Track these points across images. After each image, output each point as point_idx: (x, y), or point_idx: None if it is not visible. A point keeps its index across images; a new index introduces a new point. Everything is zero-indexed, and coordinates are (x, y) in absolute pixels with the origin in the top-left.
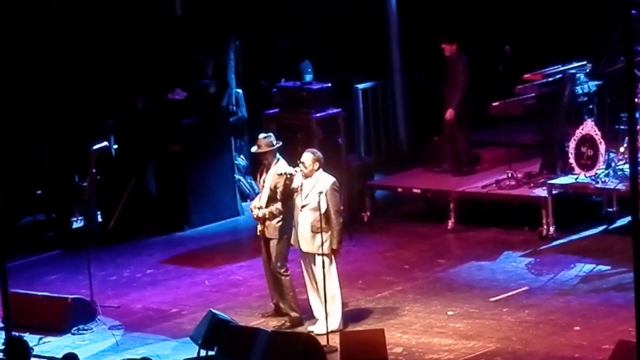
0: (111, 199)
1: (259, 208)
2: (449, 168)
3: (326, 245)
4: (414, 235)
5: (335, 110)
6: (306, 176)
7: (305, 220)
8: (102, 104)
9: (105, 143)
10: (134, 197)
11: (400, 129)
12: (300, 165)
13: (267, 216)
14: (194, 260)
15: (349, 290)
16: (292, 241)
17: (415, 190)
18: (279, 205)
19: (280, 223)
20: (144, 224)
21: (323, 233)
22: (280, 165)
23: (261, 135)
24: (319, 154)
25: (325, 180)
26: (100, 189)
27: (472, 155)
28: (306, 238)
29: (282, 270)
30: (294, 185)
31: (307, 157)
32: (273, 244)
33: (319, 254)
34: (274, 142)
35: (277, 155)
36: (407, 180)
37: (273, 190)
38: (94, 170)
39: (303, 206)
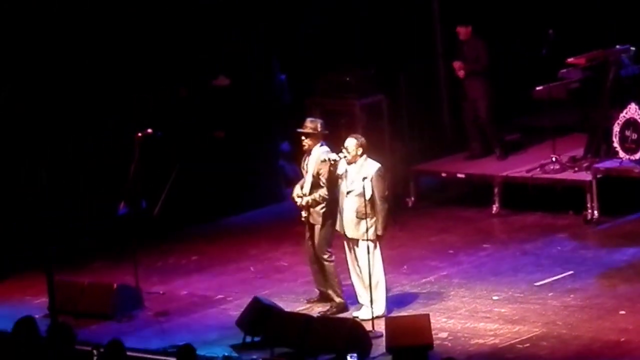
0: (156, 186)
1: (301, 196)
2: (476, 152)
3: (371, 231)
4: (458, 220)
5: (379, 96)
6: (350, 162)
7: (350, 206)
8: (147, 92)
9: (149, 129)
10: (178, 183)
11: (444, 114)
12: (344, 150)
13: (310, 203)
14: (238, 246)
15: (394, 276)
16: (337, 227)
17: (459, 175)
18: (322, 191)
19: (324, 209)
20: (188, 211)
21: (368, 219)
22: (323, 152)
23: (309, 118)
24: (362, 139)
25: (370, 166)
26: (145, 175)
27: (501, 139)
28: (351, 224)
29: (326, 257)
30: (339, 171)
31: (351, 142)
32: (317, 230)
33: (363, 240)
34: (319, 127)
35: (322, 142)
36: (451, 165)
37: (316, 177)
38: (138, 157)
39: (348, 192)
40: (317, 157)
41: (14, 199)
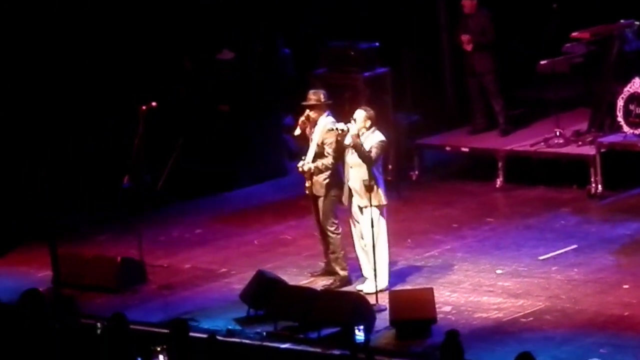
0: (159, 159)
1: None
2: (480, 126)
3: (376, 196)
4: (462, 194)
5: (382, 69)
6: (358, 134)
7: (356, 176)
8: (150, 65)
9: (154, 103)
10: (182, 157)
11: (448, 87)
12: (352, 122)
13: (312, 171)
14: (242, 219)
15: (398, 249)
16: (343, 200)
17: (463, 149)
18: (326, 160)
19: (327, 180)
20: (192, 184)
21: (374, 186)
22: (329, 121)
23: (311, 90)
24: (371, 111)
25: (375, 137)
26: (149, 149)
27: (508, 113)
28: (359, 192)
29: (332, 228)
30: (346, 142)
31: (360, 114)
32: (320, 201)
33: (371, 206)
34: (322, 98)
35: (327, 112)
36: (455, 139)
37: (320, 146)
38: (142, 131)
39: (354, 163)
40: (323, 126)
41: (17, 182)
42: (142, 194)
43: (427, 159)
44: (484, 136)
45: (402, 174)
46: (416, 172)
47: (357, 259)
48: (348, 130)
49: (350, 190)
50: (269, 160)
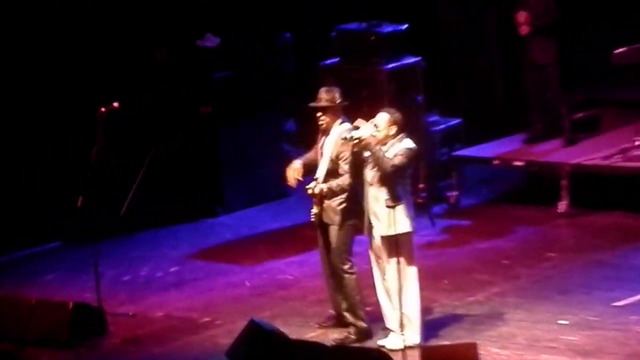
0: (125, 175)
1: (311, 187)
2: (538, 133)
3: (402, 222)
4: (515, 221)
5: (412, 59)
6: (380, 142)
7: (376, 197)
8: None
9: (115, 103)
10: (153, 172)
11: (496, 83)
12: (373, 128)
13: (324, 193)
14: (230, 254)
15: (432, 293)
16: (365, 230)
17: (516, 163)
18: (341, 180)
19: (343, 205)
20: (166, 208)
21: (398, 209)
22: (344, 129)
23: (323, 88)
24: (397, 114)
25: (403, 144)
26: (111, 162)
27: (574, 117)
28: (382, 219)
29: (346, 267)
30: (365, 154)
31: (383, 118)
32: (333, 231)
33: (396, 236)
34: (337, 98)
35: (342, 117)
36: (505, 149)
37: (334, 161)
38: (102, 138)
39: (374, 180)
40: (337, 136)
41: None
42: (101, 220)
43: (469, 175)
44: (544, 146)
45: (437, 195)
46: (455, 193)
47: (378, 305)
48: (366, 139)
49: (370, 216)
50: (265, 178)
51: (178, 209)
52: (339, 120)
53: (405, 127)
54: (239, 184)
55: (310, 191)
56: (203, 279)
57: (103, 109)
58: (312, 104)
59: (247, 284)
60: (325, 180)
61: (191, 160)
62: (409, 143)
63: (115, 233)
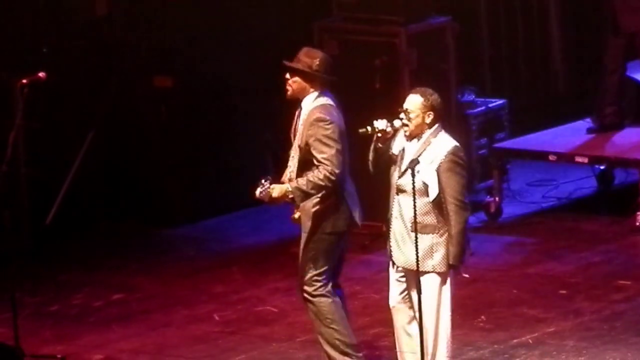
0: (51, 171)
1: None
2: (609, 121)
3: (437, 257)
4: (576, 238)
5: (440, 19)
6: (411, 135)
7: (403, 211)
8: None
9: (41, 73)
10: (90, 167)
11: (554, 52)
12: (404, 115)
13: (288, 193)
14: (194, 278)
15: (467, 332)
16: (394, 258)
17: (579, 159)
18: (316, 174)
19: (317, 207)
20: (106, 215)
21: (434, 235)
22: (319, 105)
23: (305, 49)
24: (435, 97)
25: (441, 145)
26: (35, 148)
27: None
28: (403, 243)
29: (312, 289)
30: (393, 150)
31: (415, 100)
32: (303, 241)
33: (424, 272)
34: (317, 66)
35: (323, 91)
36: (564, 141)
37: (305, 149)
38: (23, 116)
39: (401, 189)
40: (309, 115)
41: None
42: (20, 231)
43: (515, 174)
44: (616, 138)
45: (471, 201)
46: (496, 199)
47: (396, 349)
48: (391, 131)
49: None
50: (240, 177)
51: (124, 215)
52: (315, 94)
53: (444, 115)
54: (205, 186)
55: (258, 194)
56: (157, 310)
57: (25, 81)
58: (285, 62)
59: (216, 317)
60: (298, 175)
61: (142, 152)
62: (447, 140)
63: (39, 248)
